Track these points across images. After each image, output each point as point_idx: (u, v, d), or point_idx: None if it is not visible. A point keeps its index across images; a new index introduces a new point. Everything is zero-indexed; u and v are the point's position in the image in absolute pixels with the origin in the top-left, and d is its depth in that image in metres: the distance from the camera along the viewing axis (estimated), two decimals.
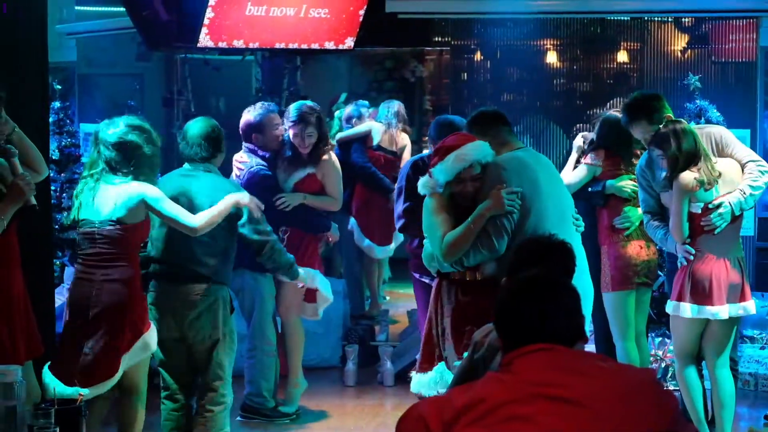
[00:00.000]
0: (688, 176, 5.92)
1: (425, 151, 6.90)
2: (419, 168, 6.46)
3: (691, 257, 5.97)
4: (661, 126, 6.09)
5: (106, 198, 5.42)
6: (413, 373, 5.54)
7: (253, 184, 6.84)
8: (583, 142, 7.15)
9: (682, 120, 6.23)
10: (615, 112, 7.21)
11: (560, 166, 7.05)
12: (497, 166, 5.15)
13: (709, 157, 5.99)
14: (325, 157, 7.32)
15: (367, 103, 9.91)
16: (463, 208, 5.14)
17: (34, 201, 5.08)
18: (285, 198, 7.09)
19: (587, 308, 5.44)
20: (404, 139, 9.67)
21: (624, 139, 6.89)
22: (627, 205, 6.80)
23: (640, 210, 6.54)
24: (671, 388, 7.19)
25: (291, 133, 7.25)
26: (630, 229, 6.75)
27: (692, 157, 5.93)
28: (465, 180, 5.11)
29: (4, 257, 5.12)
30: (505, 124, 5.45)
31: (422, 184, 5.26)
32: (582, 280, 5.09)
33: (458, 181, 5.11)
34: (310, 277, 7.23)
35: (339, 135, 8.80)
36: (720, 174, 5.99)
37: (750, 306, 6.08)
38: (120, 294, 5.43)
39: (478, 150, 5.11)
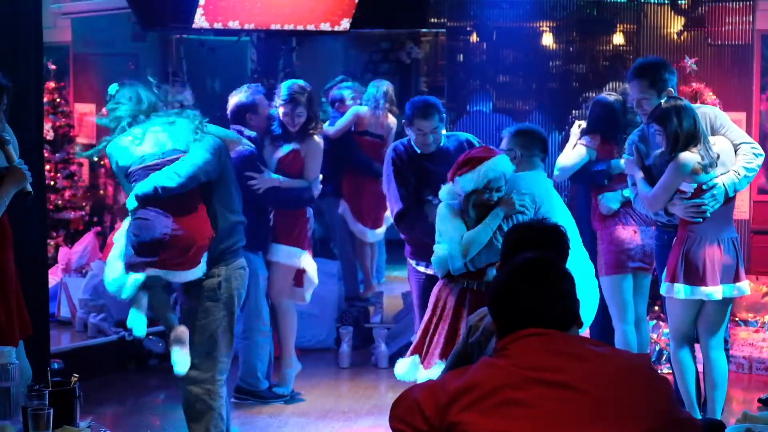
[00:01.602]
0: (690, 157, 5.89)
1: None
2: (406, 153, 6.47)
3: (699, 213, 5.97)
4: (661, 101, 6.07)
5: None
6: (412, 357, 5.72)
7: (239, 163, 6.81)
8: (580, 130, 7.13)
9: (682, 98, 6.21)
10: (606, 94, 7.20)
11: (554, 150, 7.05)
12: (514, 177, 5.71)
13: (707, 139, 5.98)
14: (316, 138, 7.31)
15: (350, 84, 9.80)
16: (477, 216, 5.58)
17: (29, 188, 5.09)
18: (258, 180, 7.05)
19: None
20: (391, 122, 9.55)
21: (615, 122, 6.88)
22: (601, 191, 6.83)
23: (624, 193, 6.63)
24: (665, 371, 7.20)
25: (281, 111, 7.24)
26: (612, 210, 6.79)
27: (692, 137, 5.91)
28: (492, 189, 5.53)
29: None
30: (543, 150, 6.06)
31: (447, 191, 5.66)
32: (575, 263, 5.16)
33: (485, 190, 5.53)
34: (296, 256, 7.24)
35: (330, 131, 8.79)
36: (719, 155, 5.99)
37: (744, 286, 6.08)
38: None
39: (506, 163, 5.59)
